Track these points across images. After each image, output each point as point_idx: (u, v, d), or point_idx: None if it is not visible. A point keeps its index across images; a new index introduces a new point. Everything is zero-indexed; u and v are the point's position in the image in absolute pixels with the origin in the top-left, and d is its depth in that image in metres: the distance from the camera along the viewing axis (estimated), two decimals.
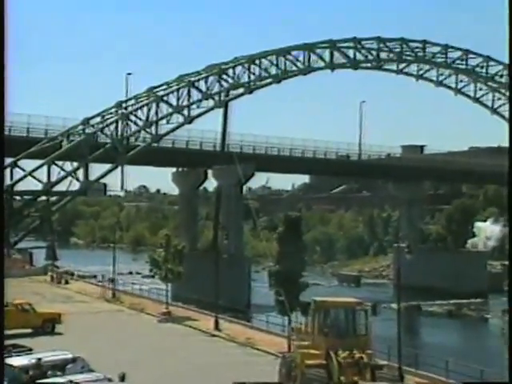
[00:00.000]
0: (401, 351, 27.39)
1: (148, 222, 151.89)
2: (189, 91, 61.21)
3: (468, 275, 78.88)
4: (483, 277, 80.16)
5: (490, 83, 76.51)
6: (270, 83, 65.24)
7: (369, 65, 70.71)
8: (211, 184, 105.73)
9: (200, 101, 61.97)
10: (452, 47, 74.35)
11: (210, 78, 62.57)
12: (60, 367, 22.42)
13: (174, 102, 61.31)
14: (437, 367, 28.88)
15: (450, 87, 76.12)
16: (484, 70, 75.98)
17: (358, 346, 22.27)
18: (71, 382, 20.55)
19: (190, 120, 61.99)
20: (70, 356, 23.25)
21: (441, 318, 64.09)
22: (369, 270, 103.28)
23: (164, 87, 62.58)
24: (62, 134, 57.45)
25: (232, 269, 63.34)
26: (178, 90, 61.10)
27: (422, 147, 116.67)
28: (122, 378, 19.34)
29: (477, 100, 77.99)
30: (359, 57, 69.27)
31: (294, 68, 65.99)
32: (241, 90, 63.79)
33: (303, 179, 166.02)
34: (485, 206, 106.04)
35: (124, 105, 60.83)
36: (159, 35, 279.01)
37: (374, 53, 69.84)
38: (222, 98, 63.01)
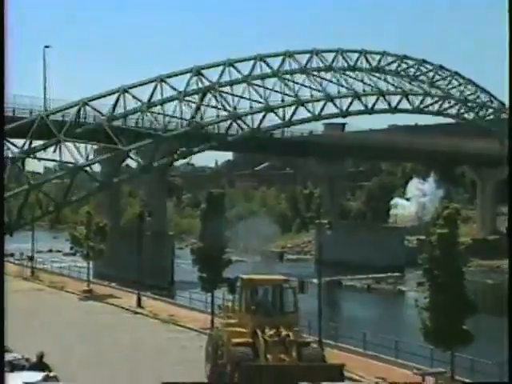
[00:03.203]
0: (321, 325, 28.07)
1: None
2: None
3: (386, 250, 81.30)
4: (401, 251, 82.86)
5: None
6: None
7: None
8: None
9: None
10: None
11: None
12: None
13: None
14: (355, 339, 29.76)
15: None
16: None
17: (285, 324, 22.11)
18: None
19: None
20: None
21: (360, 292, 65.92)
22: (291, 246, 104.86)
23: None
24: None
25: (155, 246, 63.02)
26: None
27: (343, 125, 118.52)
28: (41, 358, 18.99)
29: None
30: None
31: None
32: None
33: (226, 156, 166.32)
34: (403, 182, 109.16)
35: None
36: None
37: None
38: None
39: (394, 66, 70.48)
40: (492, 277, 75.59)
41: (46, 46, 70.06)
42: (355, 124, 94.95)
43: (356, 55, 65.64)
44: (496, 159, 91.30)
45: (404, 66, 71.46)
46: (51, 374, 17.22)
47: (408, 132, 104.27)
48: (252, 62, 58.49)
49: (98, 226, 49.86)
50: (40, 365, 18.39)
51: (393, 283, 69.78)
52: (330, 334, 30.93)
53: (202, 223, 37.53)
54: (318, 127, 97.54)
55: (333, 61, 62.61)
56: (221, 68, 56.31)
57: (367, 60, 66.65)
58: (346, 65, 63.75)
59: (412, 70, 72.71)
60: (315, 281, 35.65)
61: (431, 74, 74.40)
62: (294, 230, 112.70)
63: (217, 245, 35.94)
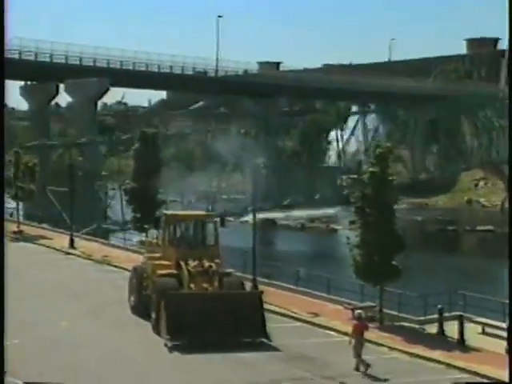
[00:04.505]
0: (255, 263, 28.36)
1: None
2: None
3: (320, 189, 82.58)
4: (334, 191, 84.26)
5: None
6: None
7: None
8: (64, 99, 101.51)
9: None
10: None
11: None
12: None
13: None
14: (289, 277, 30.26)
15: None
16: None
17: (207, 256, 23.01)
18: None
19: None
20: None
21: (294, 231, 66.96)
22: (226, 186, 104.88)
23: None
24: None
25: (88, 187, 61.99)
26: None
27: (277, 64, 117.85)
28: None
29: None
30: None
31: None
32: None
33: (160, 95, 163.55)
34: (336, 121, 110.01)
35: None
36: None
37: None
38: None
39: None
40: (421, 214, 78.04)
41: None
42: (289, 63, 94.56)
43: None
44: (427, 99, 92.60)
45: None
46: None
47: (342, 71, 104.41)
48: None
49: (27, 166, 48.51)
50: None
51: (326, 222, 71.06)
52: (264, 272, 31.35)
53: (135, 163, 37.12)
54: (252, 66, 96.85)
55: None
56: None
57: None
58: None
59: None
60: (250, 220, 35.90)
61: None
62: (229, 169, 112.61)
63: (150, 185, 35.68)
